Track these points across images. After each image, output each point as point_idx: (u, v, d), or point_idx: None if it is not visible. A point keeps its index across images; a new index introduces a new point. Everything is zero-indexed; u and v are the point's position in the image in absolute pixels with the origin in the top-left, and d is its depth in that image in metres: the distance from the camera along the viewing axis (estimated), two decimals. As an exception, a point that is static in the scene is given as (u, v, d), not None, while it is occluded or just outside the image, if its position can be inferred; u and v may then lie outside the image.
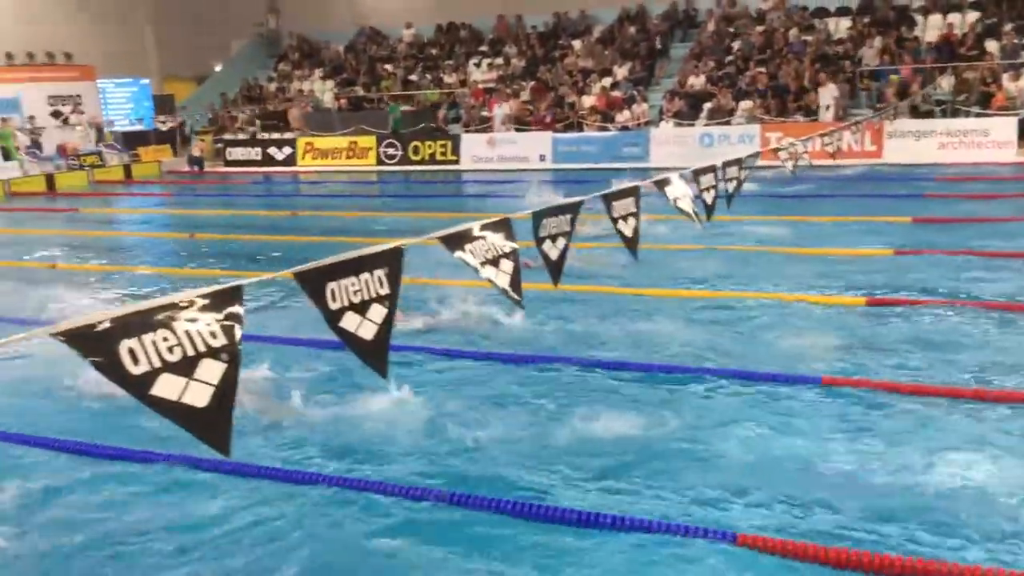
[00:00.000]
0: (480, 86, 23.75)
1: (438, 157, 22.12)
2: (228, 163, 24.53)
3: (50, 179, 21.62)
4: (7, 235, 14.69)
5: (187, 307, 1.92)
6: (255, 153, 24.41)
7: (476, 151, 21.75)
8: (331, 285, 2.31)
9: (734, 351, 6.22)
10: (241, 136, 25.00)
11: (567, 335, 6.76)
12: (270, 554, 3.54)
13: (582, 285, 8.03)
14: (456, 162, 21.81)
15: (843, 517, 3.89)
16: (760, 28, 22.15)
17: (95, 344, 1.74)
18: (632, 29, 23.97)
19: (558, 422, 4.98)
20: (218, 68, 29.88)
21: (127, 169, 23.48)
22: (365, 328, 2.39)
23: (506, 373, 5.89)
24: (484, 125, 22.20)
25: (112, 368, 1.76)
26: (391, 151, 22.68)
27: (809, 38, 21.14)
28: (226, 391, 1.93)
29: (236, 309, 2.00)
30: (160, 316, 1.87)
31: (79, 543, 3.78)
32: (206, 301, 1.96)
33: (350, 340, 2.37)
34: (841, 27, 21.65)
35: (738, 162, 5.67)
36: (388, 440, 4.70)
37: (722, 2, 23.59)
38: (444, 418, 4.95)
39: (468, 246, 2.85)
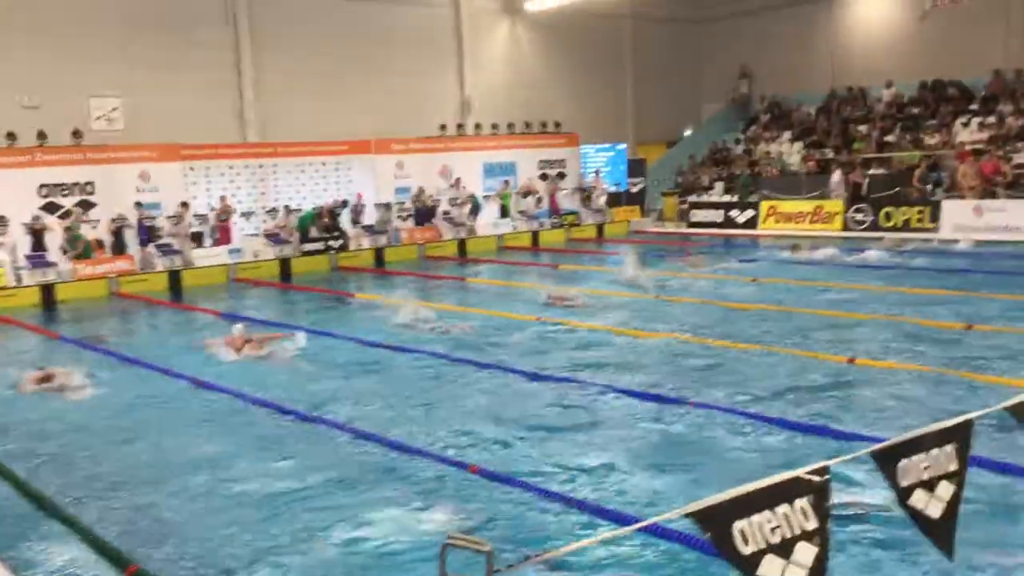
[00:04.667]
0: (967, 147, 21.85)
1: (913, 224, 20.73)
2: (691, 224, 25.40)
3: (535, 235, 24.22)
4: (499, 285, 16.68)
5: (783, 489, 2.08)
6: (717, 215, 24.98)
7: (959, 219, 20.01)
8: (903, 463, 2.34)
9: None
10: (706, 198, 25.77)
11: None
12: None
13: None
14: (935, 230, 20.25)
15: None
16: None
17: (714, 523, 1.97)
18: None
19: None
20: (688, 132, 31.19)
21: (599, 228, 25.44)
22: (933, 506, 2.37)
23: None
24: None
25: (726, 546, 1.97)
26: (860, 216, 21.77)
27: None
28: (818, 574, 2.06)
29: (825, 492, 2.11)
30: (763, 498, 2.05)
31: None
32: (797, 484, 2.10)
33: (918, 518, 2.37)
34: None
35: None
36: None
37: None
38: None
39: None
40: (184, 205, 19.64)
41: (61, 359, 10.81)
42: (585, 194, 25.94)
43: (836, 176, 22.93)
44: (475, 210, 23.83)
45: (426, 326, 11.97)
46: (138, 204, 19.17)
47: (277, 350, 10.67)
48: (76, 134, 19.27)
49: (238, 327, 11.03)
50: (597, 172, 27.00)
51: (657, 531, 4.88)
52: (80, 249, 18.14)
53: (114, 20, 20.83)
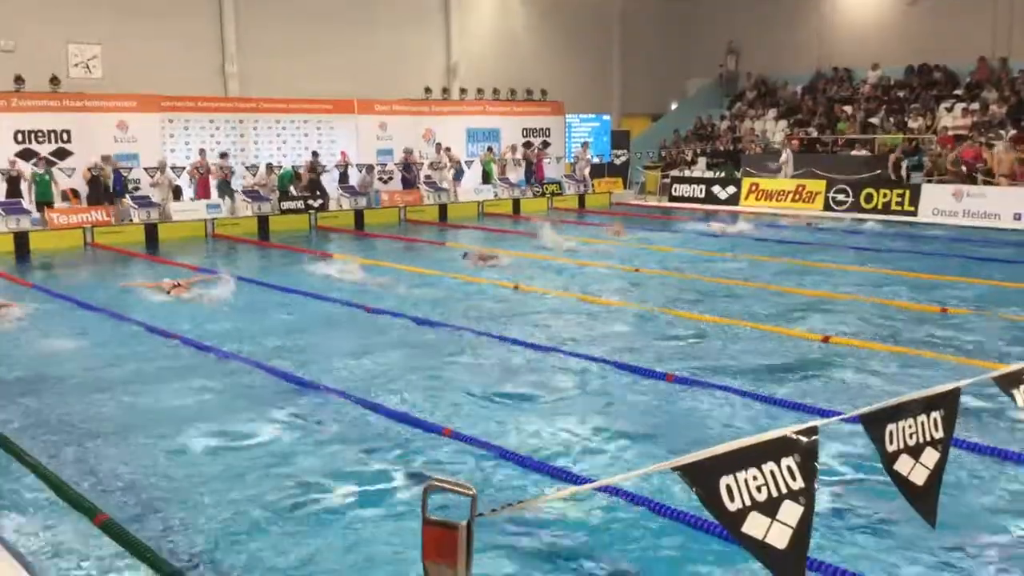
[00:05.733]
0: (950, 133, 21.97)
1: (893, 207, 20.86)
2: (672, 198, 25.41)
3: (516, 203, 24.11)
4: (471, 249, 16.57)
5: (771, 447, 2.06)
6: (699, 190, 24.98)
7: (938, 203, 20.13)
8: (890, 427, 2.32)
9: None
10: (688, 173, 25.78)
11: None
12: None
13: None
14: (913, 213, 20.38)
15: None
16: None
17: (703, 477, 1.94)
18: None
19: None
20: (674, 107, 31.10)
21: (581, 199, 25.38)
22: (917, 472, 2.36)
23: None
24: (950, 175, 20.53)
25: (712, 502, 1.95)
26: (841, 197, 21.85)
27: None
28: (803, 534, 2.04)
29: (812, 452, 2.09)
30: (751, 455, 2.03)
31: None
32: (785, 443, 2.08)
33: (902, 483, 2.36)
34: None
35: None
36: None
37: None
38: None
39: (1025, 388, 2.66)
40: (160, 167, 19.42)
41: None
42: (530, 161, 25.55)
43: (785, 155, 23.35)
44: (459, 175, 23.70)
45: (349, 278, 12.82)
46: (104, 158, 18.74)
47: (204, 293, 11.49)
48: (54, 80, 18.90)
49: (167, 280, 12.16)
50: (584, 144, 26.86)
51: (634, 498, 4.89)
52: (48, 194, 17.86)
53: (95, -35, 20.39)
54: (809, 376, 7.73)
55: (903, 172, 21.30)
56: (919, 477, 2.37)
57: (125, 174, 18.96)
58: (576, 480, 5.24)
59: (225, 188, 19.96)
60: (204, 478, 5.60)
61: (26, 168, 18.00)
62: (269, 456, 5.97)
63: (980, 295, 11.38)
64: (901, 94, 24.94)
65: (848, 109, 25.21)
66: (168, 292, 11.49)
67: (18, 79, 18.24)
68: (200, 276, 12.91)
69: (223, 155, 20.36)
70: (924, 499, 2.38)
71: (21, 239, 16.89)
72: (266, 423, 6.62)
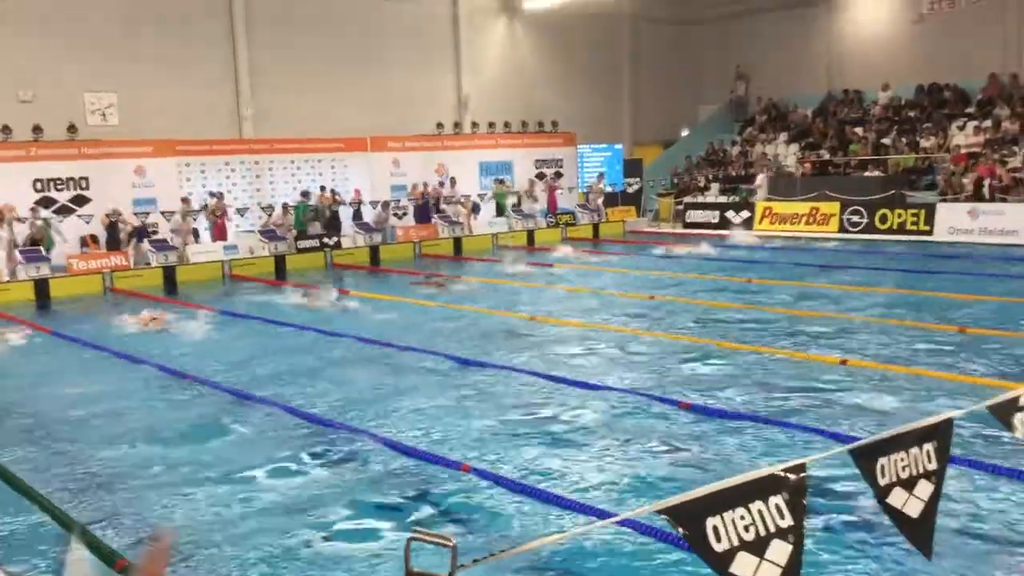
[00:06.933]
0: (963, 151, 21.89)
1: (908, 227, 20.76)
2: (687, 225, 25.41)
3: (530, 235, 24.18)
4: (495, 284, 16.63)
5: (758, 486, 2.06)
6: (713, 216, 24.98)
7: (953, 222, 20.04)
8: (881, 461, 2.32)
9: None
10: (701, 199, 25.80)
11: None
12: None
13: None
14: (929, 233, 20.28)
15: None
16: None
17: (687, 520, 1.95)
18: None
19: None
20: (685, 133, 31.19)
21: (595, 228, 25.42)
22: (911, 505, 2.36)
23: None
24: (964, 194, 20.42)
25: (698, 543, 1.96)
26: (855, 219, 21.78)
27: None
28: (792, 571, 2.04)
29: (801, 489, 2.09)
30: (737, 494, 2.03)
31: None
32: (772, 481, 2.09)
33: (896, 516, 2.35)
34: None
35: None
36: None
37: None
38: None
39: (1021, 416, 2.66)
40: (185, 201, 19.72)
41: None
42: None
43: (760, 179, 24.05)
44: (475, 210, 23.87)
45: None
46: (115, 212, 18.96)
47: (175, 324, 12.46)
48: (71, 129, 19.23)
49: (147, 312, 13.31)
50: (600, 175, 26.92)
51: (631, 524, 4.87)
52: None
53: (110, 15, 20.75)
54: (827, 401, 7.69)
55: (984, 190, 20.96)
56: (913, 510, 2.36)
57: (142, 219, 19.22)
58: (586, 511, 5.24)
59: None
60: (221, 517, 5.62)
61: (26, 216, 18.08)
62: (287, 494, 5.99)
63: (998, 312, 11.30)
64: (912, 114, 24.89)
65: (859, 131, 25.18)
66: (145, 325, 12.37)
67: (36, 128, 18.59)
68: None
69: (304, 193, 21.70)
70: (919, 531, 2.37)
71: (41, 286, 17.10)
72: (285, 462, 6.66)
